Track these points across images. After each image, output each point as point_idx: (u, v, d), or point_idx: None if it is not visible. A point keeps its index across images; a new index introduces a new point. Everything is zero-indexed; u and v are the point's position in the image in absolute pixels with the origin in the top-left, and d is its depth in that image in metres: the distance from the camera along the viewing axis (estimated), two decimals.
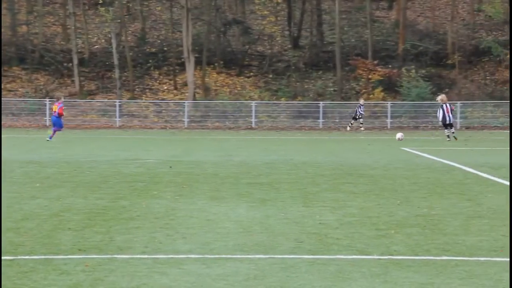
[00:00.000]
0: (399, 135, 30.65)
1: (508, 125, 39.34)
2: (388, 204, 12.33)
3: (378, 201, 12.59)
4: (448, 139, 30.57)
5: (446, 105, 31.11)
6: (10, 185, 14.28)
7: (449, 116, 31.02)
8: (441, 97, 31.88)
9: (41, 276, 7.23)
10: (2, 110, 44.20)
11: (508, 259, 8.03)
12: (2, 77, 50.18)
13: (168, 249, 8.59)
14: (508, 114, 40.99)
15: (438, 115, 31.55)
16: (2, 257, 7.99)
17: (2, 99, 45.14)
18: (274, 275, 7.38)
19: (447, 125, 31.24)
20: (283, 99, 47.33)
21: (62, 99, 32.37)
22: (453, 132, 31.05)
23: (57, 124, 29.13)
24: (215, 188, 14.18)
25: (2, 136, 31.02)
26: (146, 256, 8.19)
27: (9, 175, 16.01)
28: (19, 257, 8.02)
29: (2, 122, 41.72)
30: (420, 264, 7.95)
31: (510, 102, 40.90)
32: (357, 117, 41.52)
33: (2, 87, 48.89)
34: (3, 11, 55.43)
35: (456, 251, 8.61)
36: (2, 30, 54.03)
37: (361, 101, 42.01)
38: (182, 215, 10.96)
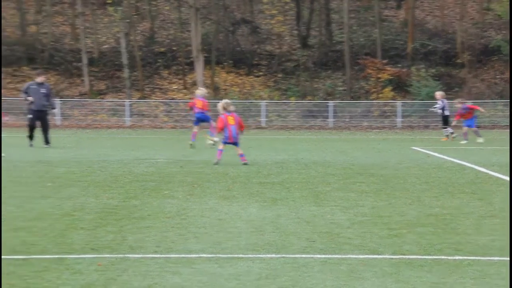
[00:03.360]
0: None
1: None
2: (400, 203, 12.32)
3: (390, 201, 12.58)
4: (452, 136, 30.90)
5: (443, 101, 31.49)
6: (22, 185, 14.32)
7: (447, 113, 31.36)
8: (441, 93, 32.11)
9: (54, 275, 7.25)
10: (12, 110, 44.31)
11: None
12: (12, 77, 50.32)
13: (180, 248, 8.60)
14: None
15: (438, 111, 31.72)
16: (15, 256, 8.03)
17: (11, 99, 45.24)
18: (286, 275, 7.39)
19: (446, 122, 31.53)
20: (292, 98, 47.31)
21: None
22: (451, 132, 31.25)
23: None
24: (226, 188, 14.19)
25: (13, 136, 31.09)
26: (158, 255, 8.21)
27: (20, 175, 16.06)
28: (32, 256, 8.05)
29: (12, 122, 41.81)
30: (432, 263, 7.95)
31: (510, 102, 40.91)
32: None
33: (12, 86, 49.01)
34: (12, 11, 55.59)
35: (468, 250, 8.60)
36: (12, 30, 54.18)
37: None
38: (194, 215, 10.98)
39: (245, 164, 18.74)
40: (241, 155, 19.11)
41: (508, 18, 48.14)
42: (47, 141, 25.03)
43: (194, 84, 48.63)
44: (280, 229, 9.89)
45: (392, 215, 11.11)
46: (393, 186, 14.69)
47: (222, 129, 19.38)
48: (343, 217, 10.85)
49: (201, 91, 27.69)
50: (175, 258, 8.06)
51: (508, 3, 47.98)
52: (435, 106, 32.12)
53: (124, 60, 48.15)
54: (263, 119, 44.51)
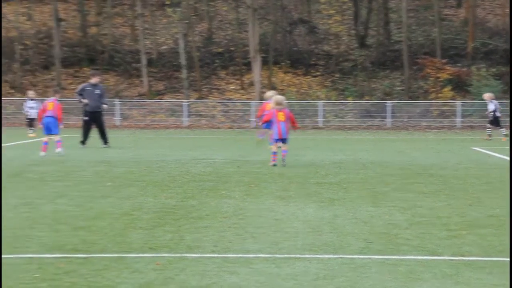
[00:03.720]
0: None
1: None
2: (459, 204, 12.16)
3: (449, 201, 12.43)
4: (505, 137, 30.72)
5: (492, 101, 31.35)
6: (82, 184, 14.53)
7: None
8: (489, 95, 31.81)
9: (113, 274, 7.33)
10: (72, 111, 44.99)
11: None
12: (74, 78, 51.11)
13: (238, 248, 8.62)
14: None
15: (491, 113, 31.37)
16: (76, 255, 8.15)
17: (73, 100, 45.92)
18: (344, 275, 7.35)
19: (498, 123, 31.14)
20: (350, 98, 47.08)
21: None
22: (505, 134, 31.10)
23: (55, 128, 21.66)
24: (283, 188, 14.18)
25: (73, 136, 31.57)
26: (215, 255, 8.24)
27: (81, 174, 16.30)
28: (92, 255, 8.16)
29: (73, 123, 42.42)
30: (493, 265, 7.82)
31: (510, 102, 40.21)
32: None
33: (74, 87, 49.77)
34: (74, 13, 56.46)
35: None
36: (73, 31, 55.03)
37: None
38: (251, 215, 11.00)
39: (282, 161, 18.31)
40: (284, 151, 18.63)
41: None
42: (105, 141, 25.27)
43: (252, 84, 48.74)
44: (338, 229, 9.85)
45: (451, 216, 10.97)
46: (453, 186, 14.51)
47: (266, 121, 19.15)
48: (401, 218, 10.75)
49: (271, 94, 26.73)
50: (232, 258, 8.09)
51: None
52: (490, 111, 31.70)
53: (182, 60, 48.50)
54: (320, 119, 44.38)
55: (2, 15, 55.35)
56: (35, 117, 31.45)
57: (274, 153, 18.63)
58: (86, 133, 25.27)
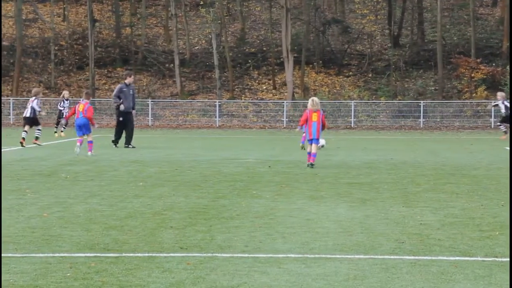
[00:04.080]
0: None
1: None
2: (492, 205, 12.04)
3: (481, 202, 12.32)
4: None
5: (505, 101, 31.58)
6: (114, 184, 14.63)
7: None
8: (502, 94, 32.14)
9: (145, 273, 7.37)
10: (105, 111, 45.30)
11: None
12: (107, 78, 51.47)
13: (268, 248, 8.62)
14: None
15: (502, 111, 31.52)
16: (107, 254, 8.20)
17: (106, 100, 46.27)
18: (375, 276, 7.32)
19: (506, 120, 31.28)
20: (382, 98, 46.87)
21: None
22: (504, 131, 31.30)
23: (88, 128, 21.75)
24: (314, 188, 14.15)
25: (106, 135, 31.80)
26: (246, 255, 8.24)
27: (113, 174, 16.41)
28: (123, 254, 8.20)
29: (105, 123, 42.73)
30: None
31: (510, 102, 39.76)
32: None
33: (107, 87, 50.12)
34: (108, 14, 56.86)
35: None
36: (107, 32, 55.42)
37: None
38: (282, 215, 10.99)
39: (311, 165, 18.11)
40: (313, 155, 18.39)
41: None
42: (129, 142, 25.03)
43: (284, 84, 48.73)
44: (369, 229, 9.81)
45: (484, 216, 10.87)
46: (485, 187, 14.38)
47: (304, 122, 19.11)
48: (433, 218, 10.68)
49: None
50: (263, 258, 8.08)
51: None
52: (494, 104, 32.21)
53: (215, 61, 48.63)
54: (352, 119, 44.24)
55: (38, 16, 55.93)
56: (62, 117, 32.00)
57: (309, 153, 18.57)
58: (119, 133, 25.37)
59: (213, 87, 49.36)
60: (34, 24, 55.78)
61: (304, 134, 25.29)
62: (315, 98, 19.69)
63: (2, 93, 46.28)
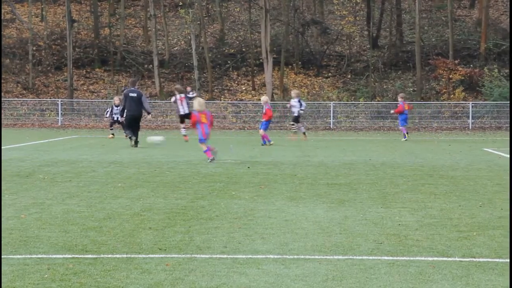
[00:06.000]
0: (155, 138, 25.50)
1: None
2: (470, 205, 12.12)
3: (459, 203, 12.39)
4: None
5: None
6: (93, 185, 14.57)
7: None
8: (297, 92, 32.25)
9: (123, 274, 7.35)
10: (84, 112, 45.14)
11: None
12: (86, 79, 51.25)
13: (247, 249, 8.62)
14: None
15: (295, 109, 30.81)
16: (85, 255, 8.17)
17: (85, 100, 46.10)
18: (353, 276, 7.34)
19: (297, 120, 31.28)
20: (361, 99, 47.02)
21: None
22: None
23: None
24: (293, 189, 14.18)
25: (88, 136, 31.67)
26: (225, 256, 8.24)
27: (92, 175, 16.35)
28: (102, 255, 8.18)
29: (85, 124, 42.57)
30: (504, 266, 7.79)
31: (510, 102, 40.06)
32: None
33: (86, 88, 49.92)
34: (86, 14, 56.64)
35: None
36: (86, 32, 55.21)
37: None
38: (261, 216, 11.00)
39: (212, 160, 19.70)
40: (207, 150, 19.94)
41: None
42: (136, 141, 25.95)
43: (263, 85, 48.75)
44: (347, 230, 9.84)
45: (462, 217, 10.93)
46: (464, 188, 14.47)
47: (195, 125, 20.22)
48: (411, 219, 10.72)
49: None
50: (242, 259, 8.09)
51: None
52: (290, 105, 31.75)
53: (194, 61, 48.57)
54: (331, 120, 44.34)
55: (16, 16, 55.59)
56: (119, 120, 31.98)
57: (207, 150, 20.00)
58: (135, 132, 25.91)
59: (193, 88, 49.28)
60: (11, 24, 55.45)
61: (264, 133, 26.56)
62: (201, 99, 20.75)
63: None
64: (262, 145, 27.27)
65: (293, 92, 31.89)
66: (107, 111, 33.34)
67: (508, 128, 41.89)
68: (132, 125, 26.13)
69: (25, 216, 10.79)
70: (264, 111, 28.34)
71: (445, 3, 53.04)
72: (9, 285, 6.89)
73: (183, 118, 30.07)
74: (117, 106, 32.44)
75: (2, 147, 24.17)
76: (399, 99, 33.02)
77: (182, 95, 30.37)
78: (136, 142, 25.83)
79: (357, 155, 22.77)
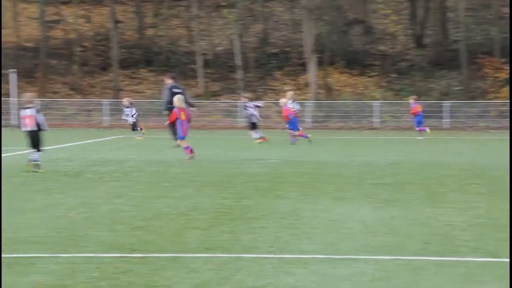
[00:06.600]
0: None
1: None
2: None
3: (508, 202, 12.23)
4: None
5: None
6: (139, 184, 14.68)
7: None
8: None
9: (171, 273, 7.39)
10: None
11: None
12: (130, 79, 51.66)
13: (294, 249, 8.62)
14: None
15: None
16: (134, 254, 8.23)
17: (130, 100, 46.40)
18: (401, 277, 7.30)
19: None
20: (406, 98, 46.65)
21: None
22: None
23: None
24: (339, 189, 14.13)
25: (134, 136, 31.94)
26: (271, 255, 8.24)
27: (138, 175, 16.47)
28: (149, 255, 8.23)
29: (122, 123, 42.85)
30: None
31: (510, 102, 39.36)
32: None
33: (131, 88, 50.31)
34: (131, 15, 57.08)
35: None
36: (130, 33, 55.64)
37: None
38: (307, 215, 10.98)
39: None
40: (186, 147, 20.50)
41: None
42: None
43: (307, 85, 48.67)
44: (394, 230, 9.78)
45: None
46: None
47: (173, 121, 20.93)
48: (459, 219, 10.62)
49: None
50: (288, 259, 8.09)
51: None
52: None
53: (238, 61, 48.66)
54: (376, 120, 44.09)
55: (62, 18, 56.27)
56: (134, 121, 32.49)
57: (187, 147, 20.52)
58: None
59: (236, 88, 49.37)
60: (57, 26, 56.12)
61: (298, 133, 26.69)
62: (180, 96, 21.31)
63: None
64: (292, 143, 27.18)
65: (289, 94, 32.08)
66: (131, 113, 33.14)
67: None
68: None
69: (73, 215, 10.92)
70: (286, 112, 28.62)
71: (491, 1, 52.38)
72: (59, 284, 6.97)
73: (254, 125, 29.90)
74: (127, 108, 32.75)
75: (48, 147, 24.45)
76: (412, 101, 34.35)
77: (255, 103, 30.68)
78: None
79: (403, 155, 22.62)
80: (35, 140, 16.95)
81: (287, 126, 28.72)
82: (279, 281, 7.12)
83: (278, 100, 47.86)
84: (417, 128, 34.09)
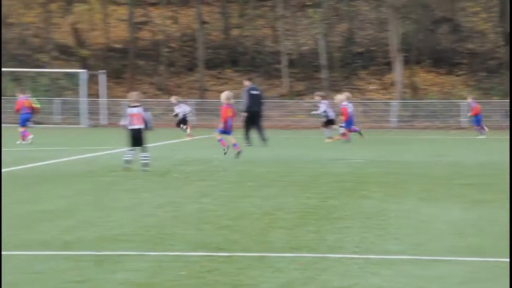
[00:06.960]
0: None
1: None
2: None
3: None
4: None
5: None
6: (225, 184, 14.79)
7: None
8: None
9: (256, 273, 7.41)
10: (216, 111, 45.85)
11: None
12: (216, 80, 52.12)
13: (380, 249, 8.54)
14: None
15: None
16: (219, 253, 8.30)
17: (215, 101, 46.82)
18: (491, 280, 7.14)
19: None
20: (495, 98, 45.69)
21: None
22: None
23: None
24: (426, 189, 13.93)
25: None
26: (357, 256, 8.19)
27: (224, 174, 16.61)
28: (235, 254, 8.28)
29: (217, 124, 43.22)
30: None
31: (510, 102, 37.69)
32: None
33: (216, 88, 50.77)
34: (216, 15, 57.60)
35: None
36: (216, 34, 56.14)
37: None
38: (393, 216, 10.87)
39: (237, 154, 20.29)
40: (236, 144, 20.57)
41: None
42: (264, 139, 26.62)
43: (392, 84, 48.20)
44: (483, 231, 9.59)
45: None
46: None
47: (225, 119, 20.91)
48: None
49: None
50: (374, 259, 8.01)
51: None
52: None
53: (323, 61, 48.54)
54: (464, 119, 43.31)
55: (150, 19, 57.19)
56: (182, 118, 33.01)
57: (235, 144, 20.74)
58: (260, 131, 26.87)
59: (321, 87, 49.23)
60: (145, 27, 57.06)
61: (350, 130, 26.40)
62: (228, 93, 21.42)
63: (116, 95, 47.52)
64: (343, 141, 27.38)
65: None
66: (183, 111, 33.50)
67: None
68: (254, 122, 26.39)
69: (161, 214, 11.07)
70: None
71: None
72: (147, 282, 7.08)
73: (330, 123, 29.84)
74: (175, 106, 33.22)
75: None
76: (470, 101, 34.65)
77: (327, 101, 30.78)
78: (265, 140, 26.08)
79: (491, 155, 22.16)
80: (140, 138, 17.33)
81: (342, 124, 28.45)
82: (365, 282, 7.06)
83: (365, 99, 47.63)
84: (476, 126, 34.69)
